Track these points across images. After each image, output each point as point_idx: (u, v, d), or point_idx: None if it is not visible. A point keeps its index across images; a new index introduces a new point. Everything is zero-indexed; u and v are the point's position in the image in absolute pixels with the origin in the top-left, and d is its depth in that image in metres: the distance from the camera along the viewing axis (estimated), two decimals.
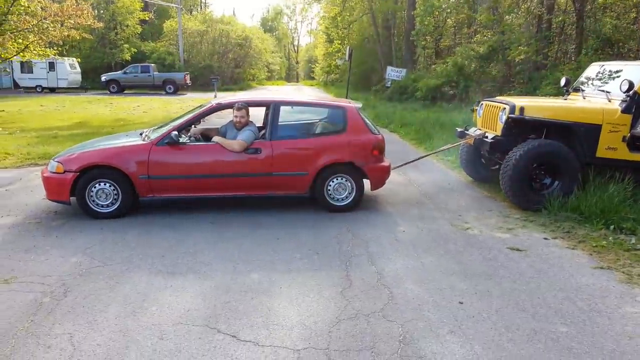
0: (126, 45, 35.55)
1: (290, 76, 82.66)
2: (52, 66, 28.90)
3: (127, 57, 35.15)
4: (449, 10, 27.11)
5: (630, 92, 5.83)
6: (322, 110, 6.36)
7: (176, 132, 5.46)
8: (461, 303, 3.55)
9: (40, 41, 16.53)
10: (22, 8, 15.46)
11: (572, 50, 17.06)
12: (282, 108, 5.79)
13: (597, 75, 6.96)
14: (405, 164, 7.46)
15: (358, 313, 3.38)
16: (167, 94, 29.02)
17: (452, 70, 19.78)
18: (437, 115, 14.89)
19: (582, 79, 7.29)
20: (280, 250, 4.57)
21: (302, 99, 6.86)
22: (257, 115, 6.36)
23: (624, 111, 5.86)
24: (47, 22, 16.14)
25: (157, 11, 43.23)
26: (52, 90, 29.44)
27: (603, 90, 6.45)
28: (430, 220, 5.55)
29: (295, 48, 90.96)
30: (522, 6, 20.70)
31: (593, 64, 7.46)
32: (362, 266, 4.20)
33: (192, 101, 22.18)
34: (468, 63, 19.36)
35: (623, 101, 5.93)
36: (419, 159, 7.73)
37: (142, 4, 37.88)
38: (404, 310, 3.43)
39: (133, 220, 5.39)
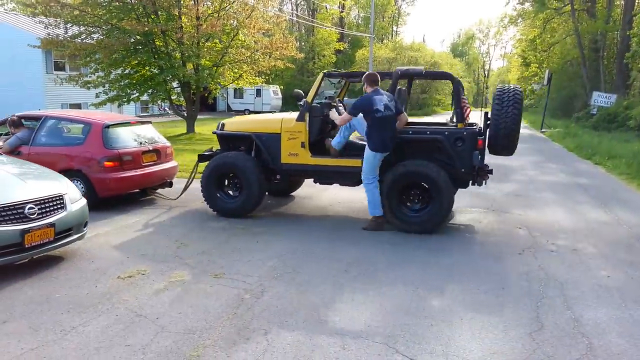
0: None
1: (477, 101, 79.69)
2: (258, 92, 32.91)
3: None
4: None
5: (302, 102, 6.17)
6: (76, 125, 7.27)
7: None
8: None
9: (251, 70, 19.02)
10: (240, 42, 18.02)
11: None
12: (49, 121, 7.10)
13: None
14: (183, 191, 7.21)
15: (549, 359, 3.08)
16: None
17: None
18: None
19: None
20: (464, 280, 4.41)
21: (68, 114, 7.81)
22: None
23: (297, 119, 6.21)
24: (258, 54, 18.49)
25: (351, 41, 45.99)
26: (257, 114, 33.35)
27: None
28: None
29: (486, 72, 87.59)
30: None
31: None
32: (555, 309, 3.82)
33: None
34: None
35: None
36: (188, 184, 7.22)
37: (339, 35, 40.77)
38: None
39: (321, 234, 5.79)
